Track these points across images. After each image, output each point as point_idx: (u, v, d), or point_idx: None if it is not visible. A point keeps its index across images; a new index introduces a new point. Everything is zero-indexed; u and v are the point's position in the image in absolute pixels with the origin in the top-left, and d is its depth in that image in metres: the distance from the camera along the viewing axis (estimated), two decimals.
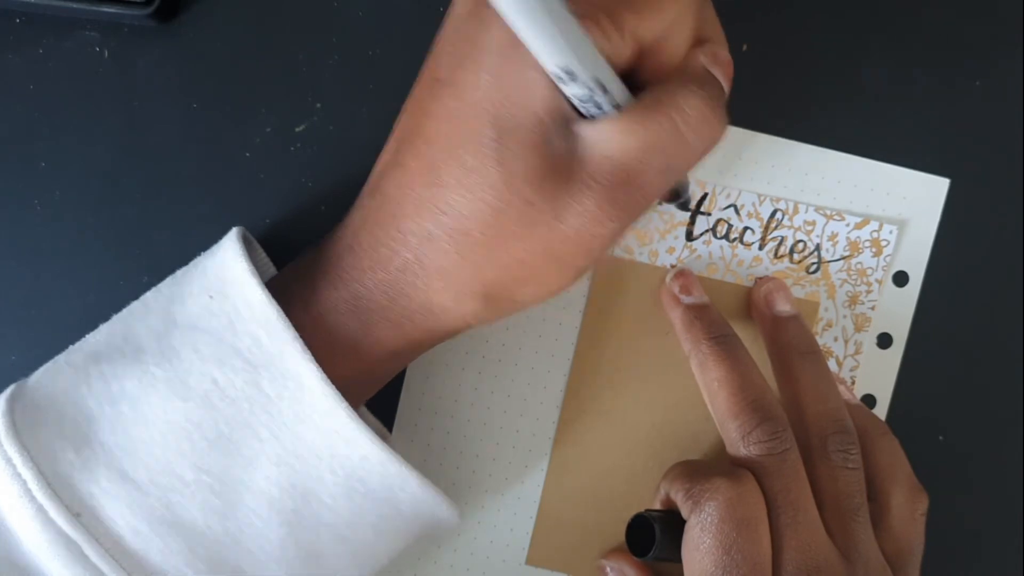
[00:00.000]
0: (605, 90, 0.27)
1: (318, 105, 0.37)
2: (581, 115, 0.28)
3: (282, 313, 0.28)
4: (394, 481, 0.30)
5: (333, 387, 0.28)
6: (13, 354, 0.36)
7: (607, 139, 0.27)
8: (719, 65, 0.30)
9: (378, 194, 0.30)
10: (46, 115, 0.36)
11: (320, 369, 0.28)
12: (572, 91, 0.27)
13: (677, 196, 0.36)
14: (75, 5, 0.34)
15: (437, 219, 0.28)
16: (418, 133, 0.29)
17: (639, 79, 0.29)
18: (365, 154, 0.37)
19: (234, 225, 0.36)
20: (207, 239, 0.35)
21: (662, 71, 0.29)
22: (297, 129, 0.37)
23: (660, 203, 0.38)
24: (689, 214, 0.38)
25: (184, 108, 0.36)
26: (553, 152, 0.27)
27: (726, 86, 0.30)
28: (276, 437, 0.28)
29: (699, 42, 0.30)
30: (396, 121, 0.30)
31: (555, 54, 0.25)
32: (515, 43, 0.26)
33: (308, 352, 0.28)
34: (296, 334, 0.28)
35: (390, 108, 0.37)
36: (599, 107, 0.27)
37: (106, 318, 0.33)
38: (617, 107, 0.28)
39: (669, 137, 0.28)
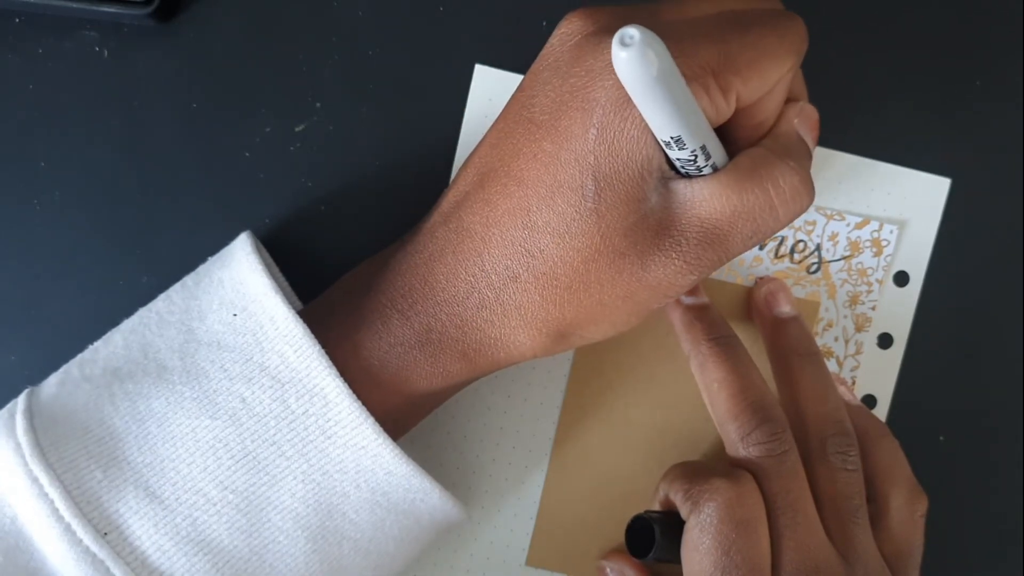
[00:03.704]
0: (708, 155, 0.28)
1: (318, 105, 0.37)
2: (677, 171, 0.29)
3: (307, 329, 0.28)
4: (416, 494, 0.30)
5: (358, 402, 0.28)
6: (13, 354, 0.36)
7: (701, 201, 0.28)
8: (810, 126, 0.31)
9: (455, 226, 0.30)
10: (46, 115, 0.36)
11: (345, 384, 0.28)
12: (676, 155, 0.27)
13: None
14: (75, 5, 0.34)
15: (525, 261, 0.28)
16: (507, 172, 0.29)
17: (729, 132, 0.30)
18: (365, 154, 0.37)
19: (234, 225, 0.36)
20: (207, 239, 0.35)
21: (756, 129, 0.30)
22: (297, 129, 0.37)
23: None
24: None
25: (184, 108, 0.36)
26: (648, 207, 0.28)
27: (813, 146, 0.31)
28: (302, 454, 0.28)
29: (792, 97, 0.31)
30: (473, 152, 0.31)
31: (670, 127, 0.26)
32: (625, 101, 0.27)
33: (334, 368, 0.28)
34: (322, 350, 0.28)
35: (390, 108, 0.37)
36: (698, 169, 0.28)
37: (106, 318, 0.33)
38: (713, 167, 0.28)
39: (761, 207, 0.28)
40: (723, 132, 0.30)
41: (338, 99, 0.37)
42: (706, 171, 0.28)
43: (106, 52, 0.36)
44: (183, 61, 0.36)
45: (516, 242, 0.28)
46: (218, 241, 0.33)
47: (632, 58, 0.22)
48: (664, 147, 0.27)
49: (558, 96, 0.28)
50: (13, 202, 0.36)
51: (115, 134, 0.36)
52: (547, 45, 0.29)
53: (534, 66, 0.30)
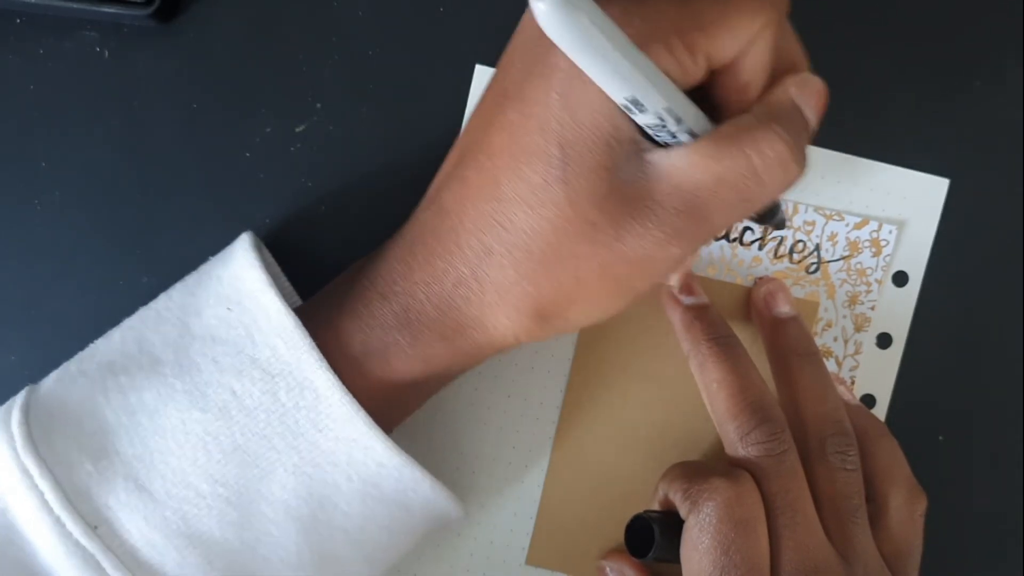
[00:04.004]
0: (679, 119, 0.26)
1: (318, 105, 0.37)
2: (654, 141, 0.27)
3: (299, 323, 0.28)
4: (408, 485, 0.30)
5: (350, 395, 0.28)
6: (13, 354, 0.36)
7: (677, 169, 0.27)
8: (811, 96, 0.29)
9: (435, 207, 0.30)
10: (46, 115, 0.36)
11: (336, 377, 0.28)
12: (642, 120, 0.26)
13: (770, 216, 0.34)
14: (75, 5, 0.34)
15: (497, 234, 0.28)
16: (480, 146, 0.28)
17: (716, 99, 0.29)
18: (365, 154, 0.37)
19: (234, 225, 0.36)
20: (207, 239, 0.35)
21: (741, 93, 0.28)
22: (297, 129, 0.37)
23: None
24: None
25: (184, 108, 0.36)
26: (621, 176, 0.27)
27: (815, 119, 0.29)
28: (293, 447, 0.28)
29: (791, 68, 0.29)
30: (460, 133, 0.31)
31: (619, 87, 0.25)
32: None
33: (325, 361, 0.28)
34: (313, 343, 0.28)
35: (390, 108, 0.37)
36: (672, 135, 0.27)
37: (106, 318, 0.33)
38: (692, 134, 0.27)
39: (743, 175, 0.27)
40: (707, 97, 0.28)
41: (338, 99, 0.37)
42: (682, 138, 0.27)
43: (106, 52, 0.36)
44: (183, 61, 0.36)
45: (487, 215, 0.28)
46: (218, 241, 0.33)
47: (550, 11, 0.20)
48: (627, 112, 0.26)
49: (524, 66, 0.28)
50: (13, 202, 0.36)
51: (115, 134, 0.36)
52: (521, 20, 0.29)
53: (510, 42, 0.29)
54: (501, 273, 0.28)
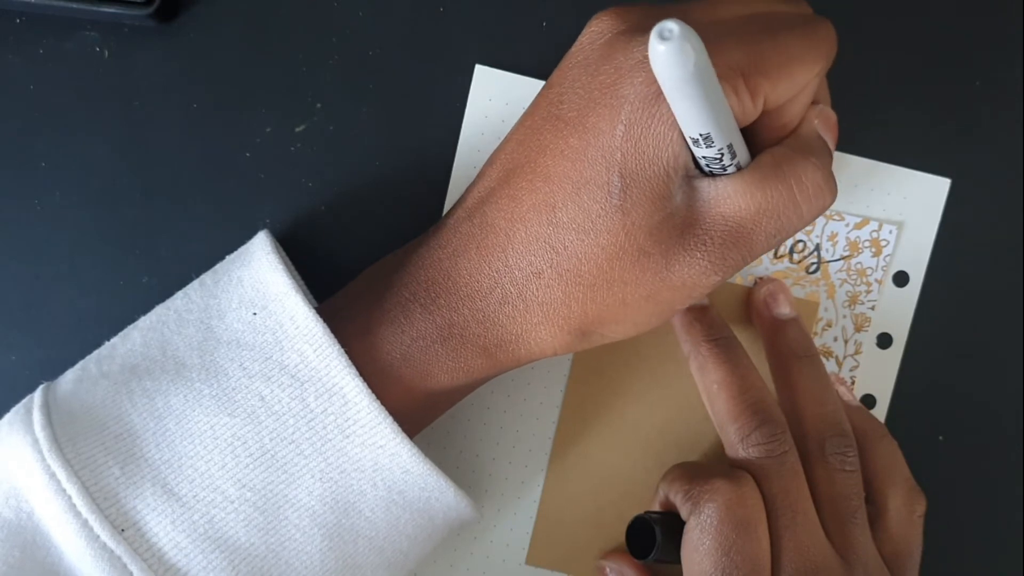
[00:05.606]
0: (733, 154, 0.28)
1: (318, 105, 0.37)
2: (701, 169, 0.29)
3: (327, 328, 0.29)
4: (432, 493, 0.30)
5: (377, 401, 0.28)
6: (13, 354, 0.36)
7: (725, 199, 0.28)
8: (829, 127, 0.31)
9: (479, 221, 0.30)
10: (46, 115, 0.36)
11: (364, 383, 0.28)
12: (703, 153, 0.27)
13: None
14: (75, 5, 0.34)
15: (548, 257, 0.28)
16: (533, 168, 0.29)
17: (754, 133, 0.30)
18: (365, 154, 0.37)
19: (234, 225, 0.36)
20: (207, 239, 0.35)
21: (780, 130, 0.30)
22: (297, 129, 0.37)
23: None
24: None
25: (184, 108, 0.36)
26: (673, 205, 0.28)
27: (832, 147, 0.31)
28: (320, 452, 0.28)
29: (815, 100, 0.32)
30: (499, 148, 0.31)
31: (700, 123, 0.26)
32: (654, 98, 0.27)
33: (353, 367, 0.28)
34: (341, 349, 0.28)
35: (390, 108, 0.37)
36: (723, 168, 0.28)
37: (106, 318, 0.33)
38: (737, 166, 0.28)
39: (785, 204, 0.28)
40: (747, 133, 0.30)
41: (338, 99, 0.37)
42: (730, 170, 0.28)
43: (106, 52, 0.36)
44: (183, 61, 0.36)
45: (540, 238, 0.28)
46: (219, 241, 0.33)
47: (670, 52, 0.22)
48: (691, 144, 0.27)
49: (586, 93, 0.28)
50: (13, 202, 0.36)
51: (115, 134, 0.36)
52: (576, 43, 0.29)
53: (562, 64, 0.30)
54: (549, 294, 0.29)
